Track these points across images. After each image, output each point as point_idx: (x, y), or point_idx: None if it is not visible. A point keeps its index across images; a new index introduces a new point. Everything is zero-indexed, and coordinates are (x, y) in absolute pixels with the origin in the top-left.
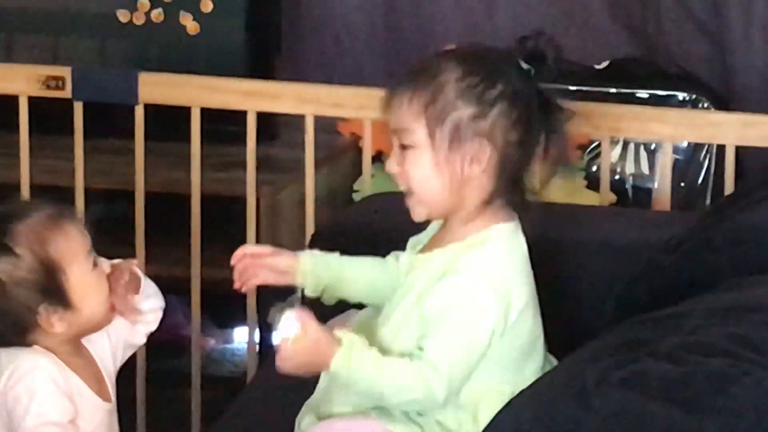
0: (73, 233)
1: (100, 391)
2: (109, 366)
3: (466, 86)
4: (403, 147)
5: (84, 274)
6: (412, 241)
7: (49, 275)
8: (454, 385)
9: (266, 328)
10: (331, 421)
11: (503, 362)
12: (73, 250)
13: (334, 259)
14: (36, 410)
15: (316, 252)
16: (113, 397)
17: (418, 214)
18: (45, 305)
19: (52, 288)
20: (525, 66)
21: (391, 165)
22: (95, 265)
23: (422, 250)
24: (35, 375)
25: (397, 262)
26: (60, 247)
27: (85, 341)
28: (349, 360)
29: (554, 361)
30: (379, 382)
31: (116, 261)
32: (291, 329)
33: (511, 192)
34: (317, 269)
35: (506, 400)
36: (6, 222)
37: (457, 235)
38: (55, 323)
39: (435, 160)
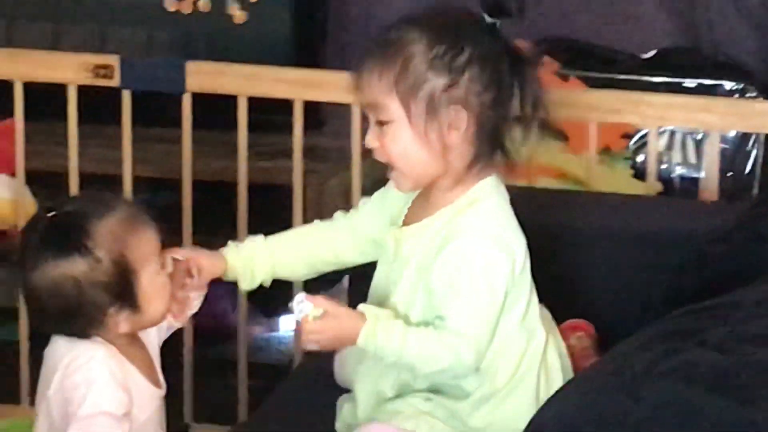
0: (148, 235)
1: (153, 379)
2: (155, 350)
3: (434, 56)
4: (380, 122)
5: (154, 276)
6: (374, 209)
7: (123, 278)
8: (482, 347)
9: None
10: None
11: (517, 311)
12: (146, 253)
13: (261, 245)
14: (92, 400)
15: (239, 244)
16: (163, 383)
17: (403, 187)
18: (115, 307)
19: (124, 291)
20: (489, 20)
21: (371, 140)
22: (163, 266)
23: (406, 222)
24: (93, 366)
25: (348, 220)
26: (135, 251)
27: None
28: (374, 334)
29: (543, 308)
30: (407, 353)
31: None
32: (305, 308)
33: (492, 153)
34: (247, 262)
35: (523, 352)
36: (84, 220)
37: (443, 200)
38: (121, 323)
39: (413, 132)
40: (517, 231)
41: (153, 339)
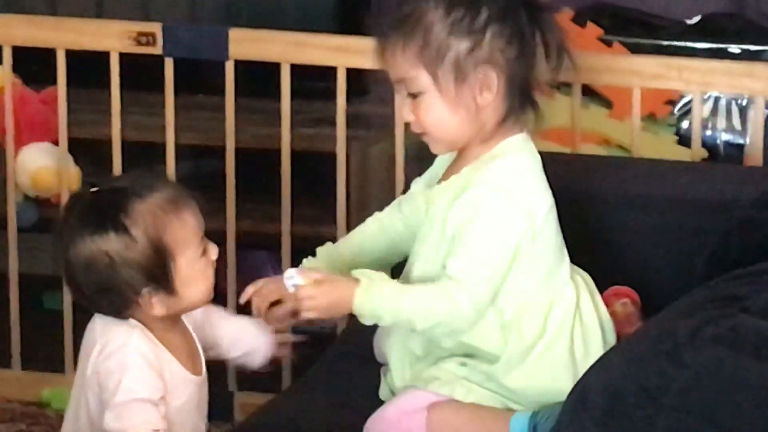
0: (189, 219)
1: (193, 365)
2: (207, 334)
3: (452, 22)
4: (412, 95)
5: (193, 262)
6: (421, 181)
7: (159, 261)
8: (481, 299)
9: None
10: (381, 411)
11: (540, 269)
12: (186, 238)
13: (336, 254)
14: (127, 386)
15: (314, 260)
16: (204, 370)
17: (438, 150)
18: (149, 288)
19: (159, 273)
20: None
21: (406, 114)
22: (204, 252)
23: (439, 183)
24: (127, 351)
25: (413, 200)
26: (174, 234)
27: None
28: (369, 296)
29: (582, 272)
30: (403, 310)
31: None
32: (298, 281)
33: (523, 107)
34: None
35: (547, 310)
36: (125, 199)
37: (471, 158)
38: (155, 305)
39: (445, 100)
40: (541, 190)
41: (202, 323)
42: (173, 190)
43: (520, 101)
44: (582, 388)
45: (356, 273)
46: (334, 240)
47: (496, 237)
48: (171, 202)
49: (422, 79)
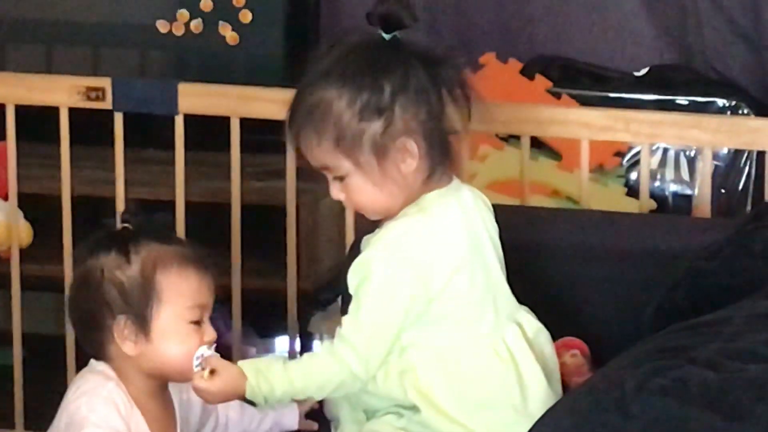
0: (192, 281)
1: None
2: (188, 421)
3: (360, 108)
4: (337, 178)
5: (179, 320)
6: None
7: (142, 296)
8: (371, 359)
9: (307, 337)
10: None
11: (447, 326)
12: (180, 293)
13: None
14: (94, 421)
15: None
16: None
17: (375, 217)
18: (125, 317)
19: (139, 307)
20: (387, 37)
21: (336, 193)
22: (197, 323)
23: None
24: (99, 392)
25: None
26: (170, 282)
27: (176, 393)
28: (258, 386)
29: (527, 318)
30: (296, 387)
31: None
32: (203, 363)
33: (444, 157)
34: None
35: (450, 360)
36: (144, 236)
37: (397, 214)
38: (127, 340)
39: (371, 179)
40: (442, 250)
41: (190, 413)
42: (193, 253)
43: (440, 154)
44: None
45: (242, 364)
46: (284, 293)
47: (384, 300)
48: (181, 256)
49: (344, 165)
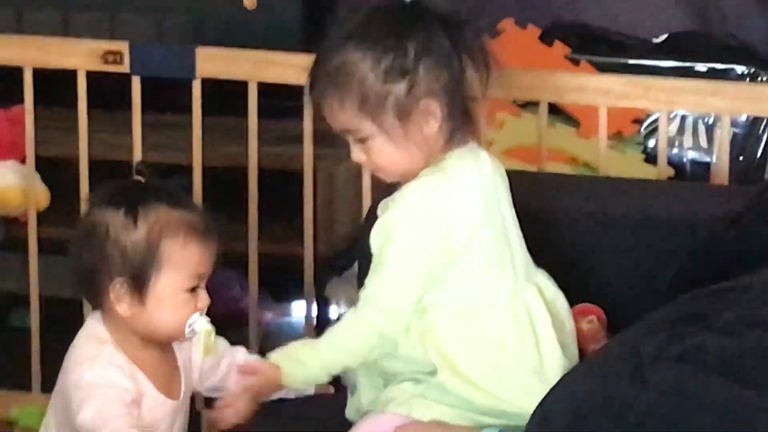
0: (196, 251)
1: (169, 389)
2: (191, 377)
3: (385, 69)
4: (359, 140)
5: (176, 289)
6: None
7: (144, 261)
8: (394, 317)
9: (323, 302)
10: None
11: (469, 285)
12: (181, 263)
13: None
14: (102, 384)
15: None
16: (182, 396)
17: (394, 180)
18: (122, 279)
19: (138, 272)
20: (409, 0)
21: (357, 156)
22: (194, 290)
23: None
24: (100, 357)
25: None
26: (174, 250)
27: (181, 351)
28: (293, 374)
29: (545, 281)
30: (331, 361)
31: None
32: (197, 327)
33: (466, 121)
34: None
35: (470, 320)
36: (155, 198)
37: (416, 176)
38: (121, 302)
39: (394, 140)
40: (466, 208)
41: (192, 367)
42: (201, 223)
43: (461, 118)
44: (545, 406)
45: (272, 356)
46: (301, 259)
47: (407, 259)
48: (189, 225)
49: (366, 126)
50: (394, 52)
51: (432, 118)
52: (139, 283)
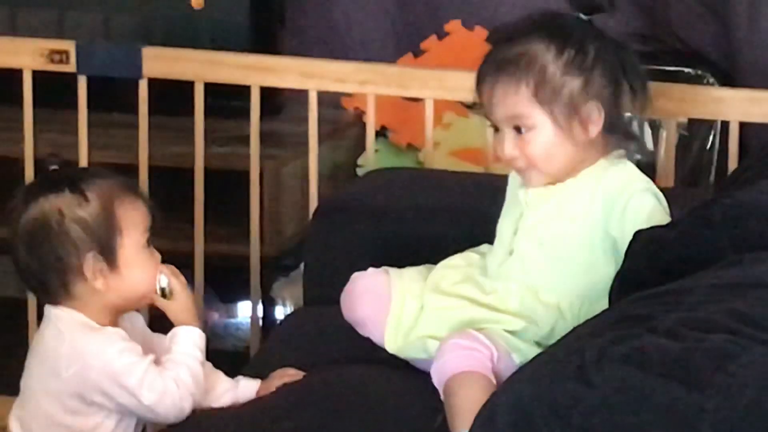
0: (140, 205)
1: None
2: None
3: (565, 61)
4: (518, 129)
5: (138, 247)
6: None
7: (107, 229)
8: None
9: (270, 303)
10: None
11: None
12: (136, 221)
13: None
14: (115, 351)
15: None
16: None
17: (537, 182)
18: (94, 253)
19: (105, 240)
20: (584, 18)
21: (510, 150)
22: (149, 244)
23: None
24: (90, 332)
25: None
26: (125, 212)
27: (128, 322)
28: None
29: None
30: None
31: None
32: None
33: (626, 139)
34: None
35: None
36: (85, 173)
37: (581, 165)
38: (98, 277)
39: (559, 134)
40: None
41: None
42: (131, 183)
43: (624, 134)
44: (491, 406)
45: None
46: (247, 259)
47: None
48: (126, 186)
49: (535, 114)
50: (576, 48)
51: (594, 123)
52: (108, 252)
